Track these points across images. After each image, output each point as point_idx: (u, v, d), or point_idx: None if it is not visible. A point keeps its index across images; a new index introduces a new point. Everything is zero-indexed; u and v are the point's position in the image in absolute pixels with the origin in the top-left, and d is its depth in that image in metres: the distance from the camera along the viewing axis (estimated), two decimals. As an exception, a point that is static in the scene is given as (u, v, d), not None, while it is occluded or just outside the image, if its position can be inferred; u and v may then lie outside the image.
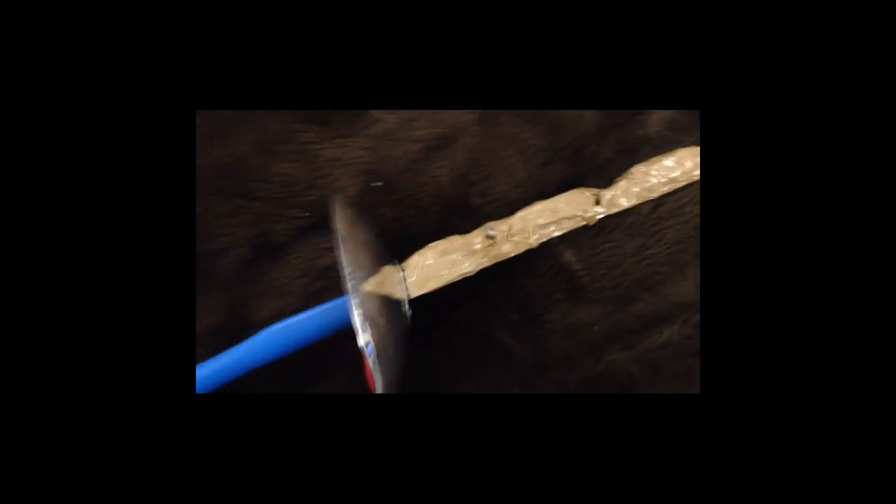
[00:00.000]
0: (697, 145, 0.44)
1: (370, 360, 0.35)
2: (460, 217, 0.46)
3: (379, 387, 0.36)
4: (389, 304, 0.40)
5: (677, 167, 0.43)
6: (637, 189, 0.43)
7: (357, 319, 0.34)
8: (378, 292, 0.38)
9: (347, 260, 0.36)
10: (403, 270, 0.42)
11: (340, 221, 0.38)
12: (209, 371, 0.39)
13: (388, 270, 0.41)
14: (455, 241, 0.43)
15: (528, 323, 0.44)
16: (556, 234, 0.43)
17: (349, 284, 0.35)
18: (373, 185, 0.47)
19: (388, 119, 0.47)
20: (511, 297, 0.45)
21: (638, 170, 0.44)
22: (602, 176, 0.44)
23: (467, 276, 0.43)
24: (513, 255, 0.43)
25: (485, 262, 0.43)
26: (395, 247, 0.44)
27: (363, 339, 0.34)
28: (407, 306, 0.41)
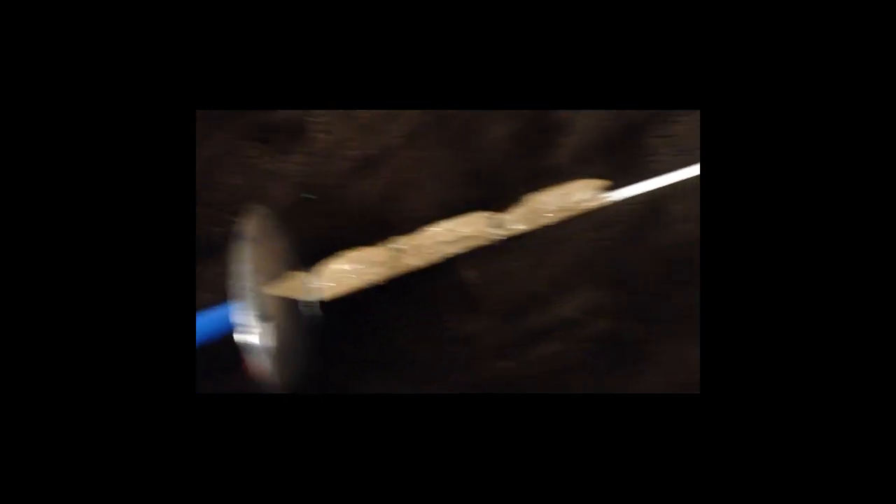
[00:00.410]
0: (600, 178, 0.48)
1: (249, 357, 0.40)
2: (379, 230, 0.51)
3: (265, 379, 0.41)
4: (294, 306, 0.45)
5: (571, 197, 0.47)
6: (532, 215, 0.47)
7: (241, 319, 0.40)
8: (282, 294, 0.44)
9: (248, 263, 0.41)
10: (314, 276, 0.48)
11: (252, 229, 0.44)
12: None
13: (298, 275, 0.47)
14: (366, 251, 0.48)
15: (429, 330, 0.49)
16: (458, 251, 0.48)
17: (240, 285, 0.40)
18: (304, 196, 0.53)
19: (324, 139, 0.52)
20: (415, 306, 0.49)
21: (535, 197, 0.47)
22: (507, 201, 0.49)
23: (374, 284, 0.48)
24: (417, 268, 0.48)
25: (390, 274, 0.48)
26: (319, 254, 0.49)
27: (241, 337, 0.40)
28: (314, 309, 0.47)
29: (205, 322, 0.43)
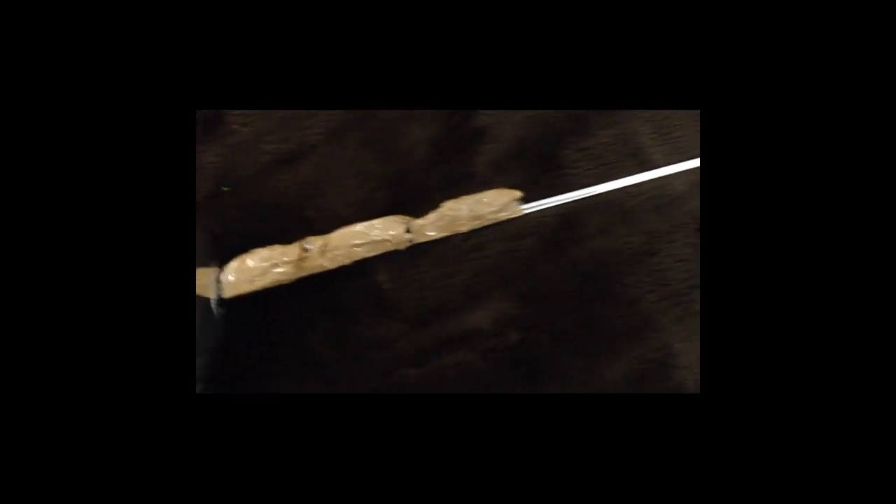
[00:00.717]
0: (513, 188, 0.48)
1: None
2: (295, 227, 0.50)
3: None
4: (201, 301, 0.44)
5: (485, 206, 0.47)
6: (444, 222, 0.47)
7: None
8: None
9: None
10: (221, 272, 0.47)
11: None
12: None
13: (204, 271, 0.46)
14: (276, 249, 0.47)
15: (338, 332, 0.49)
16: (370, 254, 0.47)
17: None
18: (223, 188, 0.51)
19: (242, 131, 0.51)
20: (324, 307, 0.49)
21: (449, 204, 0.47)
22: (422, 206, 0.48)
23: (283, 283, 0.47)
24: (328, 268, 0.47)
25: (301, 273, 0.47)
26: (231, 248, 0.48)
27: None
28: (218, 305, 0.46)
29: None
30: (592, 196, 0.47)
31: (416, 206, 0.49)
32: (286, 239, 0.48)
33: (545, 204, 0.47)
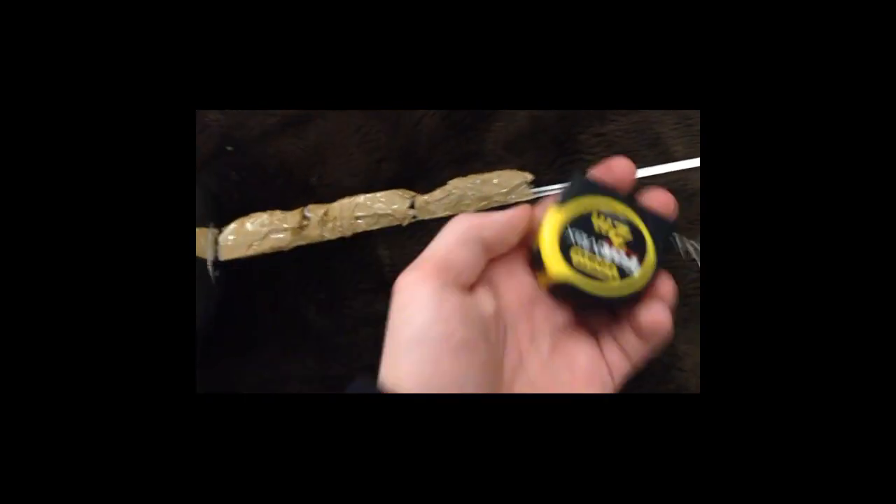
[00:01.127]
0: (524, 170, 0.46)
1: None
2: (297, 193, 0.48)
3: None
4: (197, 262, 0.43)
5: (495, 187, 0.45)
6: (450, 200, 0.45)
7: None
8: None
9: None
10: (219, 233, 0.46)
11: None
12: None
13: (202, 231, 0.45)
14: (275, 214, 0.46)
15: (333, 304, 0.47)
16: (372, 227, 0.46)
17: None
18: (226, 148, 0.50)
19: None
20: (321, 278, 0.48)
21: (455, 182, 0.45)
22: (428, 182, 0.46)
23: (280, 250, 0.46)
24: (326, 238, 0.46)
25: (299, 241, 0.46)
26: (231, 211, 0.47)
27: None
28: (213, 268, 0.45)
29: None
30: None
31: (422, 181, 0.47)
32: (287, 205, 0.47)
33: (556, 189, 0.45)
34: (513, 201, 0.46)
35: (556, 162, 0.47)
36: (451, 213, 0.46)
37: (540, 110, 0.47)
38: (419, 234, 0.47)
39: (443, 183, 0.46)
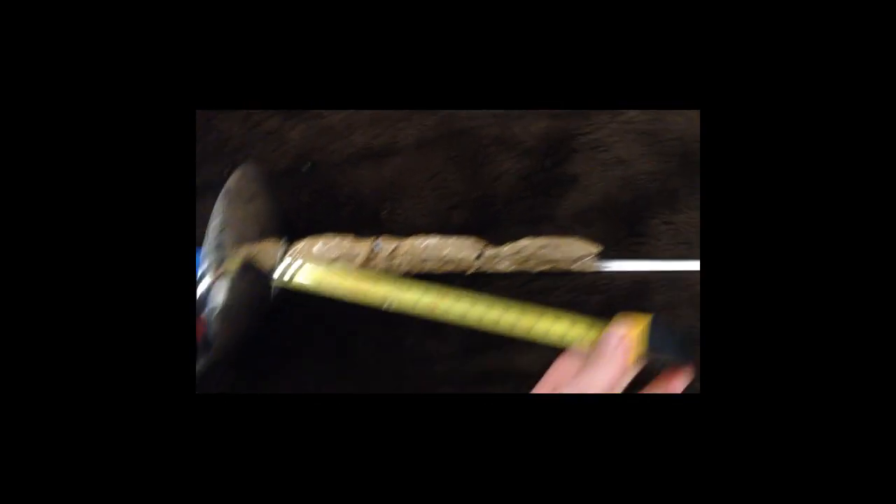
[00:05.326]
0: (594, 242, 0.47)
1: (204, 313, 0.38)
2: (363, 224, 0.49)
3: (211, 340, 0.39)
4: (257, 272, 0.43)
5: (562, 252, 0.47)
6: (516, 258, 0.46)
7: (202, 269, 0.38)
8: (249, 256, 0.42)
9: (220, 215, 0.39)
10: (287, 249, 0.46)
11: (236, 182, 0.41)
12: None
13: (271, 243, 0.45)
14: (345, 239, 0.47)
15: (384, 340, 0.48)
16: (436, 271, 0.47)
17: (211, 237, 0.38)
18: (303, 169, 0.51)
19: (333, 117, 0.51)
20: (377, 311, 0.48)
21: (527, 242, 0.47)
22: (494, 236, 0.48)
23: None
24: (390, 272, 0.47)
25: (366, 270, 0.47)
26: (299, 229, 0.47)
27: (203, 289, 0.38)
28: (275, 282, 0.45)
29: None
30: (669, 271, 0.47)
31: (489, 234, 0.49)
32: (354, 233, 0.47)
33: (622, 267, 0.46)
34: (576, 270, 0.47)
35: (624, 241, 0.48)
36: (514, 269, 0.47)
37: (615, 183, 0.49)
38: (478, 283, 0.48)
39: (511, 239, 0.47)
